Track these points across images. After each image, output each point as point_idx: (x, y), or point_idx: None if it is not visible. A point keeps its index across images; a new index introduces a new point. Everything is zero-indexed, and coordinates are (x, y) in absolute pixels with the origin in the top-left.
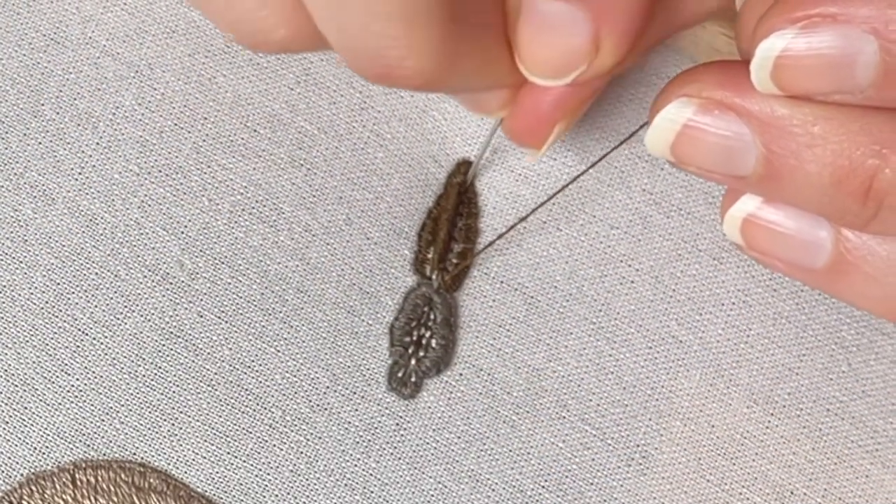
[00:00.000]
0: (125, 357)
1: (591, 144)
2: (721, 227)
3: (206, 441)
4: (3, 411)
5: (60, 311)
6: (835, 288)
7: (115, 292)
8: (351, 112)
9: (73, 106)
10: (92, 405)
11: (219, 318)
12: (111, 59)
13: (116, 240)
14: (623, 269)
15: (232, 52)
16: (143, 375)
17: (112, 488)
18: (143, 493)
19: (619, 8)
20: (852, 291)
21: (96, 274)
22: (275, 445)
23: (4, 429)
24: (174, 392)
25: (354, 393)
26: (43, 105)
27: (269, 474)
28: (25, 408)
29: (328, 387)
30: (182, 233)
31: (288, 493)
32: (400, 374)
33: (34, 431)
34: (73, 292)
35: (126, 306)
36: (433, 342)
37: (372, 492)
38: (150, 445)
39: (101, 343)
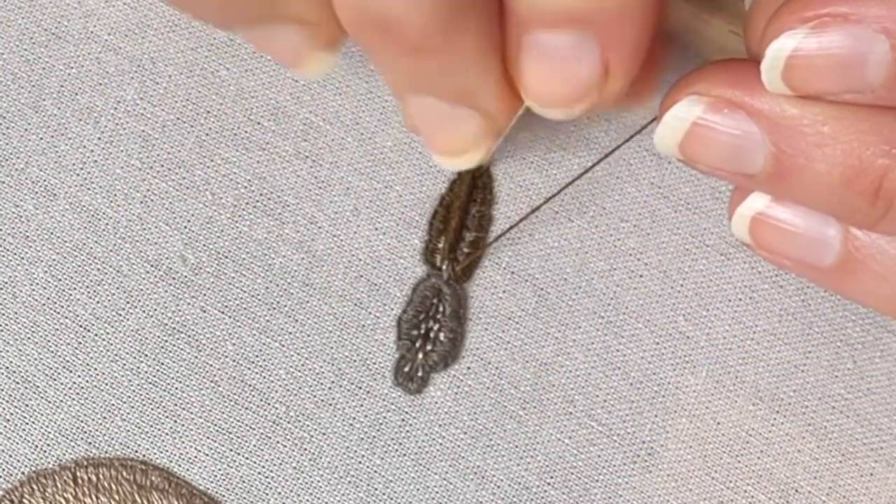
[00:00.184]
0: (127, 353)
1: (600, 136)
2: (728, 225)
3: (208, 438)
4: (4, 409)
5: (62, 307)
6: (843, 286)
7: (118, 288)
8: (357, 102)
9: (74, 101)
10: (93, 402)
11: (222, 313)
12: (113, 53)
13: (118, 235)
14: (632, 263)
15: (235, 46)
16: (145, 372)
17: (114, 486)
18: (144, 491)
19: (624, 30)
20: (860, 290)
21: (98, 270)
22: (278, 442)
23: (6, 426)
24: (176, 388)
25: (360, 388)
26: (44, 100)
27: (272, 471)
28: (27, 405)
29: (333, 382)
30: (185, 227)
31: (291, 491)
32: (406, 369)
33: (35, 429)
34: (75, 288)
35: (128, 302)
36: (441, 335)
37: (376, 488)
38: (151, 443)
39: (103, 339)
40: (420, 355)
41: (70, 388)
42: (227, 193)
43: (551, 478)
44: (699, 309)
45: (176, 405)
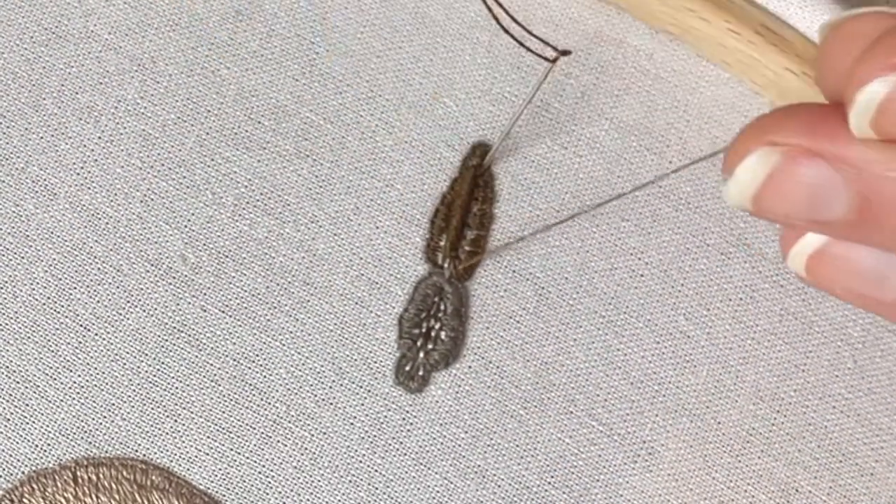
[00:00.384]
0: (127, 353)
1: (601, 136)
2: (726, 226)
3: (208, 437)
4: (4, 408)
5: (62, 306)
6: None
7: (118, 287)
8: (358, 101)
9: (74, 100)
10: (94, 402)
11: (222, 312)
12: (113, 52)
13: (119, 234)
14: (633, 263)
15: (235, 45)
16: (146, 371)
17: (114, 486)
18: (145, 491)
19: None
20: None
21: (98, 269)
22: (279, 441)
23: (6, 426)
24: (177, 388)
25: (360, 387)
26: (44, 99)
27: (272, 471)
28: (27, 404)
29: (334, 381)
30: (185, 227)
31: (291, 490)
32: (407, 368)
33: (35, 428)
34: (75, 288)
35: (128, 301)
36: (442, 334)
37: (377, 488)
38: (152, 442)
39: (104, 339)
40: (421, 354)
41: (70, 388)
42: (228, 192)
43: (552, 477)
44: (700, 308)
45: (176, 405)
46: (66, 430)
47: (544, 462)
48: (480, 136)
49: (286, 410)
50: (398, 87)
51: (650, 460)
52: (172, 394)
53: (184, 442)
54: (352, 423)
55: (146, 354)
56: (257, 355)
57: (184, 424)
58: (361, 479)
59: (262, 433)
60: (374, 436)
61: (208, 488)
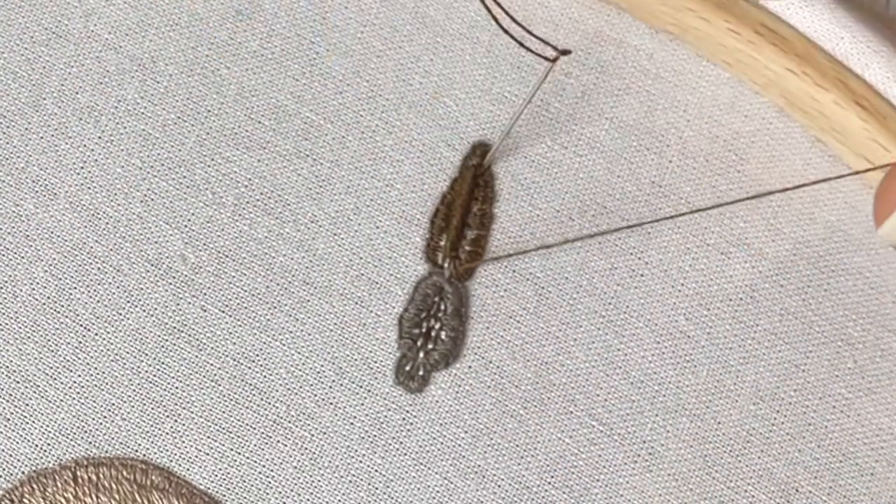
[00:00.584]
0: (127, 353)
1: (601, 135)
2: (729, 225)
3: (208, 437)
4: (4, 408)
5: (62, 306)
6: None
7: (118, 287)
8: (358, 101)
9: (74, 100)
10: (94, 401)
11: (222, 312)
12: (113, 52)
13: (119, 234)
14: (633, 262)
15: (235, 45)
16: (146, 371)
17: (114, 486)
18: (145, 491)
19: None
20: None
21: (98, 269)
22: (279, 441)
23: (5, 426)
24: (177, 388)
25: (361, 387)
26: (45, 99)
27: (272, 471)
28: (27, 404)
29: (334, 381)
30: (185, 227)
31: (292, 490)
32: (408, 368)
33: (35, 428)
34: (75, 287)
35: (128, 301)
36: (443, 334)
37: (377, 488)
38: (152, 442)
39: (104, 338)
40: (421, 354)
41: (70, 388)
42: (228, 192)
43: (552, 477)
44: (700, 308)
45: (176, 404)
46: (66, 429)
47: (544, 462)
48: (480, 135)
49: (286, 410)
50: (398, 87)
51: (650, 460)
52: (172, 394)
53: (184, 442)
54: (352, 423)
55: (146, 354)
56: (257, 355)
57: (184, 424)
58: (361, 479)
59: (263, 433)
60: (374, 436)
61: (208, 488)
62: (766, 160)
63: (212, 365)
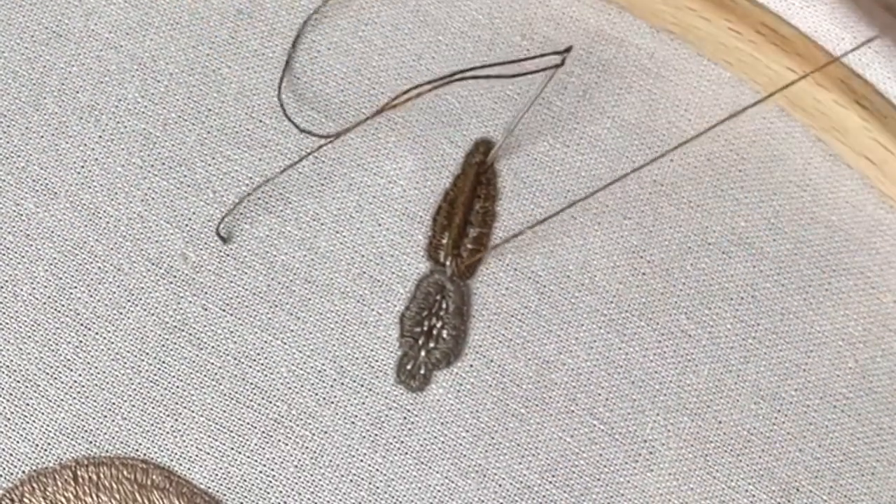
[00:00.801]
0: (128, 352)
1: (602, 134)
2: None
3: (209, 437)
4: (4, 407)
5: (63, 305)
6: None
7: (118, 286)
8: (359, 99)
9: (75, 99)
10: (94, 401)
11: (223, 310)
12: (114, 51)
13: (119, 233)
14: (634, 261)
15: (236, 43)
16: (146, 370)
17: (114, 485)
18: (145, 490)
19: None
20: None
21: (99, 268)
22: (280, 440)
23: (6, 425)
24: (177, 387)
25: (362, 385)
26: (45, 98)
27: (273, 470)
28: (27, 404)
29: (335, 379)
30: (186, 226)
31: (293, 489)
32: (409, 367)
33: (36, 428)
34: (76, 286)
35: (129, 300)
36: (444, 333)
37: (378, 487)
38: (152, 442)
39: (104, 338)
40: (423, 353)
41: (71, 387)
42: (229, 191)
43: (553, 476)
44: (701, 307)
45: (177, 404)
46: (67, 429)
47: (545, 461)
48: (483, 133)
49: (287, 409)
50: (400, 84)
51: (651, 459)
52: (173, 393)
53: (184, 441)
54: (353, 422)
55: (147, 353)
56: (258, 354)
57: (184, 423)
58: (362, 478)
59: (263, 432)
60: (376, 434)
61: (209, 487)
62: (766, 160)
63: (213, 364)
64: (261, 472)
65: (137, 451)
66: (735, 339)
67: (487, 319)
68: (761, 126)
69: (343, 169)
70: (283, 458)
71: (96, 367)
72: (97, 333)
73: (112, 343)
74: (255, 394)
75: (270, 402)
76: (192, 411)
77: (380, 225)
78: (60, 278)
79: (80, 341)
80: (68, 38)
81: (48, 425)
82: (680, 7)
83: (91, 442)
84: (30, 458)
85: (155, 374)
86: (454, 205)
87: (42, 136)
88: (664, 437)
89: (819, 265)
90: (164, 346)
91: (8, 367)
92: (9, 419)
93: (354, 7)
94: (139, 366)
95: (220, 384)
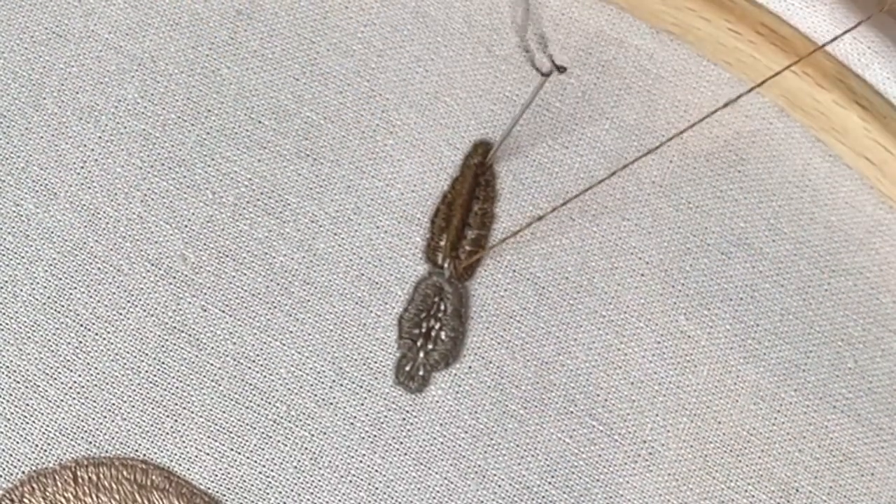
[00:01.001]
0: (127, 353)
1: (602, 135)
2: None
3: (209, 437)
4: (4, 408)
5: (62, 306)
6: None
7: (118, 287)
8: (358, 101)
9: (75, 100)
10: (94, 401)
11: (223, 311)
12: (113, 52)
13: (119, 234)
14: (633, 262)
15: (236, 44)
16: (146, 371)
17: (114, 486)
18: (145, 491)
19: None
20: None
21: (99, 269)
22: (279, 441)
23: (6, 425)
24: (177, 388)
25: (361, 387)
26: (45, 99)
27: (272, 470)
28: (27, 404)
29: (334, 381)
30: (185, 226)
31: (292, 490)
32: (408, 368)
33: (36, 428)
34: (76, 287)
35: (129, 301)
36: (442, 334)
37: (377, 488)
38: (152, 442)
39: (104, 338)
40: (421, 354)
41: (70, 388)
42: (228, 192)
43: (552, 477)
44: (700, 308)
45: (176, 404)
46: (67, 429)
47: (544, 462)
48: (482, 134)
49: (286, 410)
50: (399, 86)
51: (650, 460)
52: (173, 393)
53: (184, 442)
54: (352, 423)
55: (146, 354)
56: (258, 355)
57: (184, 424)
58: (361, 480)
59: (263, 433)
60: (375, 436)
61: (209, 488)
62: (766, 160)
63: (212, 365)
64: (260, 472)
65: (137, 451)
66: (735, 340)
67: (486, 321)
68: (761, 126)
69: (341, 171)
70: (282, 459)
71: (96, 368)
72: (97, 334)
73: (112, 344)
74: (254, 395)
75: (270, 403)
76: (192, 412)
77: (378, 227)
78: (60, 279)
79: (80, 342)
80: (68, 39)
81: (48, 426)
82: (679, 7)
83: (91, 442)
84: (30, 459)
85: (154, 375)
86: (452, 207)
87: (42, 137)
88: (664, 437)
89: (818, 265)
90: (163, 346)
91: (8, 367)
92: (9, 419)
93: (353, 8)
94: (139, 366)
95: (220, 385)
